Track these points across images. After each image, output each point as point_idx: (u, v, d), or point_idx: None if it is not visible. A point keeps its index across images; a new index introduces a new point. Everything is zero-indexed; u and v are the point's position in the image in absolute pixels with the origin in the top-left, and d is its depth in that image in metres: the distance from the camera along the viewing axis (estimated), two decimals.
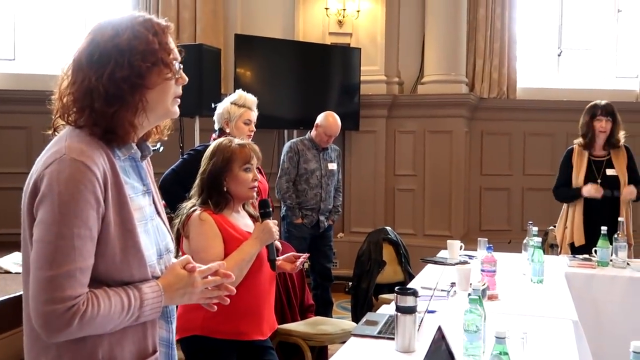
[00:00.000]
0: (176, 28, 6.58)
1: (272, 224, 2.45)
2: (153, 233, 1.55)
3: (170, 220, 2.46)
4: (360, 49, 6.61)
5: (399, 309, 2.29)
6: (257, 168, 3.60)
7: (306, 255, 2.68)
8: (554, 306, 2.95)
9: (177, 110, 1.53)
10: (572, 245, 4.45)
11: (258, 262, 2.44)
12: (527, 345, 2.11)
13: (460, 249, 4.16)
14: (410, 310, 2.29)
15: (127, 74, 1.41)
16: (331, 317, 4.95)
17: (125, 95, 1.42)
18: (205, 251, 2.35)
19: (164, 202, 3.16)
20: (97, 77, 1.41)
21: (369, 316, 2.74)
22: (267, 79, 6.37)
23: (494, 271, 3.23)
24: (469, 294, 2.20)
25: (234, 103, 3.54)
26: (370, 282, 4.63)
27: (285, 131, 6.44)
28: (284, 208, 4.98)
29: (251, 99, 3.56)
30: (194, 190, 2.52)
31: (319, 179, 4.94)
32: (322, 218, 4.98)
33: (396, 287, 2.32)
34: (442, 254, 4.26)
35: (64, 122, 1.47)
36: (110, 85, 1.40)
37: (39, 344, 1.42)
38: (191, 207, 2.45)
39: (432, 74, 6.75)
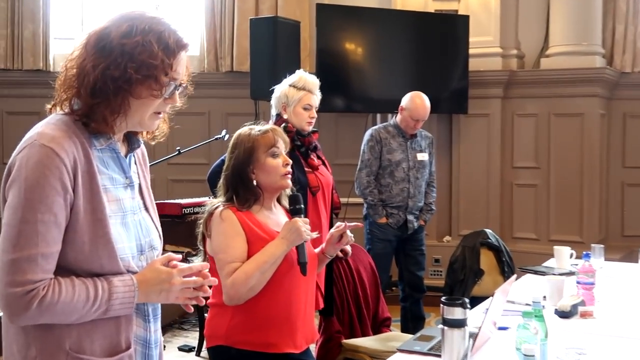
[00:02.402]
0: None
1: (302, 222, 2.56)
2: (134, 227, 1.77)
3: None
4: (469, 16, 6.62)
5: (445, 322, 2.38)
6: (320, 158, 3.80)
7: (355, 224, 2.73)
8: None
9: (153, 124, 1.80)
10: None
11: (286, 265, 2.56)
12: None
13: (571, 257, 4.14)
14: (459, 324, 2.37)
15: (118, 76, 1.66)
16: None
17: (108, 93, 1.67)
18: (224, 252, 2.53)
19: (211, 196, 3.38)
20: (93, 65, 1.67)
21: (426, 330, 2.85)
22: (355, 56, 6.53)
23: (592, 283, 3.23)
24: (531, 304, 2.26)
25: (292, 85, 3.70)
26: (464, 294, 4.69)
27: (379, 115, 6.58)
28: (365, 206, 5.13)
29: (312, 81, 3.71)
30: (219, 189, 2.69)
31: (405, 171, 5.03)
32: (410, 217, 5.07)
33: (443, 297, 2.41)
34: (550, 262, 4.25)
35: (60, 100, 1.72)
36: (99, 79, 1.66)
37: (11, 330, 1.69)
38: (215, 205, 2.63)
39: (559, 44, 6.64)
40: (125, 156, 1.82)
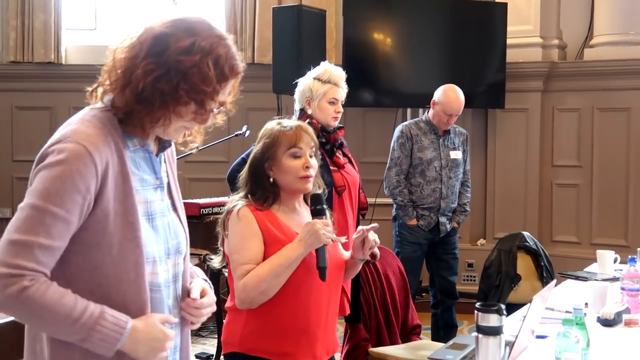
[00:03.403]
0: None
1: (321, 224, 2.52)
2: (162, 230, 1.86)
3: None
4: (507, 4, 6.60)
5: (480, 329, 2.39)
6: (346, 156, 3.82)
7: (373, 226, 2.66)
8: None
9: (178, 136, 1.88)
10: None
11: (304, 269, 2.53)
12: None
13: (615, 261, 4.13)
14: (495, 332, 2.38)
15: (167, 91, 1.72)
16: None
17: (153, 104, 1.73)
18: (238, 252, 2.53)
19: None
20: (145, 70, 1.72)
21: (459, 338, 2.86)
22: (385, 46, 6.55)
23: (638, 290, 3.22)
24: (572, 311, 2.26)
25: (317, 78, 3.72)
26: (500, 300, 4.69)
27: (409, 110, 6.58)
28: (395, 206, 5.14)
29: (338, 74, 3.73)
30: (240, 183, 2.69)
31: (437, 170, 5.04)
32: (443, 220, 5.08)
33: (477, 303, 2.42)
34: (593, 267, 4.25)
35: (102, 85, 1.78)
36: (147, 87, 1.72)
37: (33, 329, 1.76)
38: (234, 203, 2.63)
39: (604, 33, 6.59)
40: (156, 155, 1.89)
